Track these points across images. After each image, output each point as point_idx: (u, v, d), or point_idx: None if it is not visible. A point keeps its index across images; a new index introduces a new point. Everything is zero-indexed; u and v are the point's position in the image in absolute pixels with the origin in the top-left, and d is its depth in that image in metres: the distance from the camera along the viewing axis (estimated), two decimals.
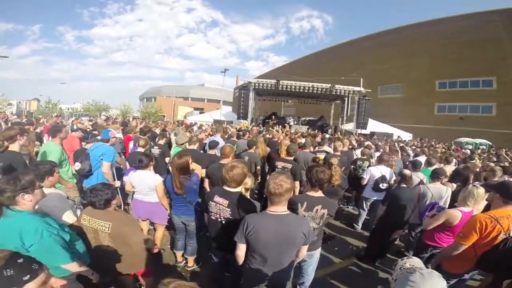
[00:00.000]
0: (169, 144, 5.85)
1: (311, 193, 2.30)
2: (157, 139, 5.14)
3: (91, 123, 9.24)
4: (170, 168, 3.14)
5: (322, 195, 2.31)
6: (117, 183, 3.78)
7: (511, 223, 2.05)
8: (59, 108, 33.09)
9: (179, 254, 3.19)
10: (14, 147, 2.92)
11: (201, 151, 5.06)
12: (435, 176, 3.49)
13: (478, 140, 18.69)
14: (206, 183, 3.45)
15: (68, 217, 2.11)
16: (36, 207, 1.72)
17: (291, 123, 19.64)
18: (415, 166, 4.25)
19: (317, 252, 2.54)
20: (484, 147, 16.81)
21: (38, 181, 1.72)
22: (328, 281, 3.15)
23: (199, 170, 3.63)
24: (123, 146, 5.63)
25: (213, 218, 2.20)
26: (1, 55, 22.06)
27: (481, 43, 23.10)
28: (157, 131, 7.78)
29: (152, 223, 3.36)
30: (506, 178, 3.87)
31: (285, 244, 1.77)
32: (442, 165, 4.96)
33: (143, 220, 3.25)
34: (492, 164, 5.28)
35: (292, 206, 2.20)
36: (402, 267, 1.18)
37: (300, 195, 2.85)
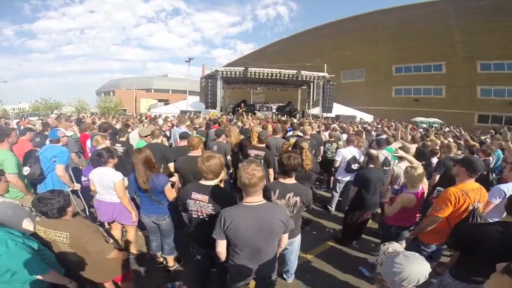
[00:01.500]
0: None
1: (283, 180, 2.26)
2: (117, 136, 4.73)
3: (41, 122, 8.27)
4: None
5: (294, 181, 2.27)
6: (77, 186, 3.48)
7: (476, 195, 2.24)
8: (2, 109, 29.44)
9: (157, 254, 3.01)
10: None
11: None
12: (380, 144, 3.71)
13: (431, 119, 20.63)
14: (177, 177, 3.25)
15: (28, 225, 1.91)
16: None
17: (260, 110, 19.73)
18: (379, 144, 4.35)
19: (297, 239, 2.54)
20: (437, 125, 18.54)
21: None
22: (310, 266, 3.18)
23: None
24: (80, 145, 5.13)
25: (195, 216, 2.06)
26: None
27: (433, 30, 25.15)
28: (118, 126, 7.22)
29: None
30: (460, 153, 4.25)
31: (266, 235, 1.71)
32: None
33: (110, 223, 2.99)
34: (447, 141, 5.72)
35: (266, 194, 2.17)
36: (385, 252, 1.22)
37: (272, 182, 2.82)
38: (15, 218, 1.91)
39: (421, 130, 11.56)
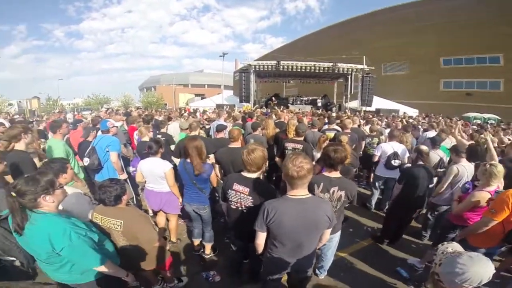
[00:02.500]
0: None
1: (328, 174, 2.19)
2: (160, 127, 5.05)
3: (93, 114, 9.15)
4: (181, 153, 2.99)
5: (339, 175, 2.19)
6: (124, 175, 3.73)
7: None
8: (60, 104, 33.08)
9: (196, 242, 3.14)
10: (20, 146, 2.83)
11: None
12: (459, 151, 3.28)
13: (486, 115, 18.38)
14: (216, 169, 3.35)
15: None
16: (60, 207, 1.64)
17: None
18: (434, 142, 3.99)
19: (337, 236, 2.48)
20: (493, 121, 16.48)
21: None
22: (344, 263, 3.11)
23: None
24: (128, 137, 5.55)
25: (234, 207, 2.09)
26: None
27: (486, 20, 22.25)
28: (161, 119, 7.67)
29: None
30: None
31: (309, 229, 1.67)
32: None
33: (157, 212, 3.18)
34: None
35: (309, 187, 2.08)
36: (444, 252, 1.18)
37: (316, 175, 2.76)
38: (79, 207, 2.03)
39: (474, 126, 10.39)
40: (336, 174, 2.18)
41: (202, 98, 31.20)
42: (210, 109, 15.61)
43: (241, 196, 2.01)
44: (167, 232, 3.29)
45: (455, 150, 3.34)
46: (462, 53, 24.94)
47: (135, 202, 4.13)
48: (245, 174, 2.05)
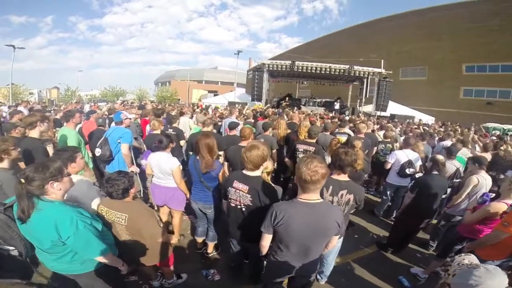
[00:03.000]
0: None
1: (336, 177, 2.15)
2: (172, 122, 5.10)
3: (108, 106, 9.37)
4: (194, 147, 2.99)
5: (348, 179, 2.15)
6: (134, 168, 3.76)
7: None
8: (78, 95, 34.17)
9: (199, 240, 3.14)
10: (34, 133, 2.91)
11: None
12: (482, 165, 3.18)
13: (506, 126, 17.55)
14: (225, 166, 3.34)
15: (95, 205, 2.06)
16: (66, 196, 1.66)
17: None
18: (450, 153, 3.86)
19: (340, 241, 2.43)
20: None
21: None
22: (348, 269, 3.07)
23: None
24: (141, 129, 5.63)
25: (233, 205, 2.08)
26: (18, 46, 22.39)
27: (509, 26, 21.16)
28: (173, 113, 7.76)
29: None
30: None
31: (318, 235, 1.63)
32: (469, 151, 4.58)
33: (161, 207, 3.18)
34: None
35: None
36: (460, 263, 1.16)
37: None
38: (89, 195, 2.05)
39: (494, 138, 9.95)
40: (345, 178, 2.14)
41: (215, 95, 31.44)
42: (222, 106, 15.68)
43: (240, 194, 2.01)
44: (170, 227, 3.30)
45: (478, 161, 3.21)
46: (485, 60, 23.92)
47: (142, 195, 4.19)
48: (246, 172, 2.03)
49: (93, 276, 1.72)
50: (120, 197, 1.88)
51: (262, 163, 2.02)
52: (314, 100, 21.46)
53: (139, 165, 3.96)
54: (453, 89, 26.00)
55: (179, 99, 36.94)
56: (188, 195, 2.95)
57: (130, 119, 4.18)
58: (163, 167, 2.84)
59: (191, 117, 6.68)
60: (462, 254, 1.24)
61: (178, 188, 2.94)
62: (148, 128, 5.21)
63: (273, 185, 2.21)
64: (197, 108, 11.22)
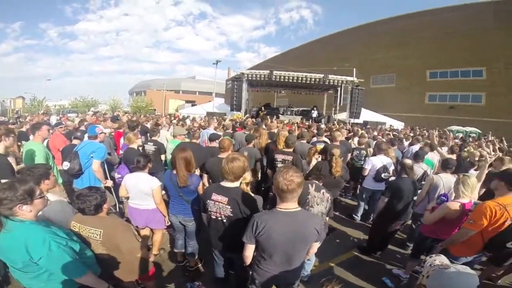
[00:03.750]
0: None
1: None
2: (149, 135, 4.95)
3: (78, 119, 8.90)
4: (170, 162, 2.92)
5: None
6: (109, 183, 3.62)
7: None
8: (45, 105, 32.16)
9: (179, 253, 3.07)
10: None
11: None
12: (446, 166, 3.42)
13: (468, 129, 19.11)
14: (205, 179, 3.31)
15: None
16: (40, 213, 1.57)
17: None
18: (417, 156, 4.12)
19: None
20: (474, 135, 17.15)
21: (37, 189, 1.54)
22: (331, 273, 3.13)
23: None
24: (114, 142, 5.42)
25: (213, 217, 2.08)
26: None
27: (472, 34, 23.29)
28: (149, 125, 7.55)
29: None
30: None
31: (298, 243, 1.67)
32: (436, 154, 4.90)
33: (141, 228, 3.06)
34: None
35: (303, 188, 2.19)
36: (432, 264, 1.19)
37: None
38: (62, 215, 1.94)
39: (457, 140, 10.75)
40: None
41: (192, 105, 31.07)
42: (200, 116, 15.53)
43: (220, 206, 2.01)
44: (150, 242, 3.19)
45: (443, 164, 3.49)
46: (447, 67, 25.91)
47: (117, 209, 4.01)
48: (224, 184, 2.05)
49: None
50: (92, 213, 1.81)
51: (243, 174, 2.05)
52: (292, 109, 21.97)
53: (113, 178, 3.79)
54: (419, 95, 27.86)
55: (155, 110, 36.00)
56: (167, 218, 2.88)
57: (105, 133, 4.01)
58: (142, 188, 2.73)
59: (168, 129, 6.52)
60: (433, 255, 1.28)
61: (156, 209, 2.84)
62: (122, 141, 5.03)
63: (252, 195, 2.24)
64: (174, 119, 10.99)
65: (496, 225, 2.14)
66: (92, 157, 3.37)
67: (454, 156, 4.61)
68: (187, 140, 4.22)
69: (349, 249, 3.72)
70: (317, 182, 2.34)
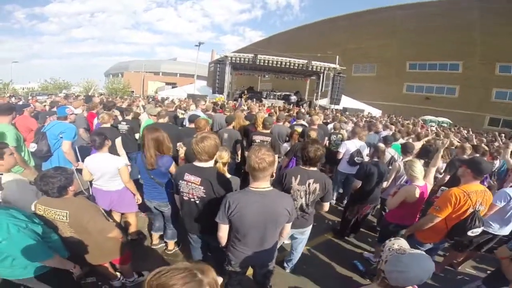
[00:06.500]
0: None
1: (305, 167, 2.26)
2: (124, 114, 4.76)
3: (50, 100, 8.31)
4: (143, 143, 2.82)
5: (316, 169, 2.27)
6: (81, 165, 3.42)
7: (478, 197, 2.18)
8: (12, 88, 29.85)
9: (155, 236, 3.03)
10: None
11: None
12: (406, 150, 3.57)
13: (440, 119, 20.21)
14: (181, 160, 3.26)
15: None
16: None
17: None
18: (386, 141, 4.18)
19: (309, 230, 2.52)
20: (446, 125, 18.17)
21: None
22: (307, 256, 3.18)
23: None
24: (87, 124, 5.16)
25: (186, 198, 2.01)
26: None
27: (453, 29, 24.09)
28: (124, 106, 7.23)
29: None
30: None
31: (269, 222, 1.68)
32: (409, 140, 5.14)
33: (108, 211, 2.93)
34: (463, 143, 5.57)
35: (286, 180, 2.18)
36: (390, 248, 1.17)
37: (294, 168, 2.83)
38: (23, 197, 1.86)
39: (433, 128, 11.33)
40: (313, 168, 2.26)
41: (173, 87, 30.06)
42: (178, 98, 15.10)
43: (192, 187, 1.94)
44: (123, 225, 3.12)
45: (403, 148, 3.65)
46: (427, 59, 26.82)
47: (91, 193, 3.87)
48: (197, 163, 1.97)
49: (40, 281, 1.59)
50: (56, 195, 1.73)
51: (216, 152, 1.99)
52: (275, 93, 21.90)
53: None
54: (397, 85, 28.80)
55: (133, 92, 34.53)
56: (137, 195, 2.80)
57: (76, 114, 3.78)
58: (105, 169, 2.59)
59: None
60: (392, 239, 1.26)
61: (123, 190, 2.74)
62: (95, 122, 4.81)
63: (228, 175, 2.22)
64: (153, 100, 10.58)
65: (460, 212, 2.19)
66: (61, 137, 3.19)
67: (419, 143, 4.79)
68: (161, 121, 4.06)
69: (324, 232, 3.79)
70: (306, 169, 2.23)
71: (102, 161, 2.60)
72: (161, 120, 4.07)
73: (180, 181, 1.98)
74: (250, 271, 2.04)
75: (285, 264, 2.83)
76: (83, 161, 3.48)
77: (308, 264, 3.03)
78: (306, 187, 2.18)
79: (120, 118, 4.68)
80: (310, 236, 3.46)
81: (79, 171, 3.54)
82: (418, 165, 2.58)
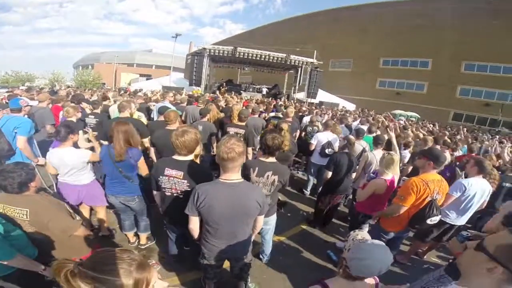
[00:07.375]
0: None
1: (263, 158, 2.23)
2: (92, 107, 4.50)
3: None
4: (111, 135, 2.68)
5: (274, 160, 2.25)
6: (41, 161, 3.20)
7: (436, 186, 2.30)
8: None
9: (129, 234, 2.93)
10: None
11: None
12: (377, 142, 3.72)
13: (409, 113, 21.38)
14: (152, 153, 3.15)
15: None
16: None
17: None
18: (358, 134, 4.31)
19: (273, 218, 2.54)
20: (414, 119, 19.25)
21: None
22: (283, 247, 3.24)
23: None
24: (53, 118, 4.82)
25: (168, 194, 1.95)
26: None
27: (426, 27, 25.45)
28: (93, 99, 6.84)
29: None
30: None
31: (240, 215, 1.65)
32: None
33: (77, 205, 2.82)
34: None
35: (245, 172, 2.13)
36: (354, 239, 1.23)
37: (252, 160, 2.81)
38: None
39: (402, 122, 11.92)
40: (271, 159, 2.23)
41: (147, 79, 28.92)
42: (153, 91, 14.60)
43: (175, 181, 1.90)
44: (93, 222, 3.00)
45: (374, 141, 3.81)
46: (399, 56, 28.17)
47: (55, 190, 3.65)
48: (177, 157, 1.93)
49: (5, 282, 1.51)
50: (16, 191, 1.64)
51: (196, 146, 1.96)
52: (254, 86, 21.97)
53: None
54: (371, 80, 30.06)
55: (104, 84, 32.77)
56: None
57: (30, 106, 3.49)
58: (72, 163, 2.47)
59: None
60: (357, 230, 1.32)
61: (92, 184, 2.67)
62: (61, 115, 4.50)
63: (206, 167, 2.18)
64: (125, 92, 10.11)
65: (419, 201, 2.27)
66: (15, 133, 2.95)
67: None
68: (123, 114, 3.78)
69: (298, 222, 3.86)
70: (265, 161, 2.21)
71: (67, 156, 2.46)
72: (122, 114, 3.74)
73: (161, 177, 1.92)
74: (227, 264, 2.03)
75: (260, 256, 2.86)
76: (44, 156, 3.29)
77: (283, 255, 3.08)
78: (265, 179, 2.15)
79: (88, 111, 4.42)
80: (285, 227, 3.57)
81: (40, 167, 3.32)
82: (396, 165, 2.68)
